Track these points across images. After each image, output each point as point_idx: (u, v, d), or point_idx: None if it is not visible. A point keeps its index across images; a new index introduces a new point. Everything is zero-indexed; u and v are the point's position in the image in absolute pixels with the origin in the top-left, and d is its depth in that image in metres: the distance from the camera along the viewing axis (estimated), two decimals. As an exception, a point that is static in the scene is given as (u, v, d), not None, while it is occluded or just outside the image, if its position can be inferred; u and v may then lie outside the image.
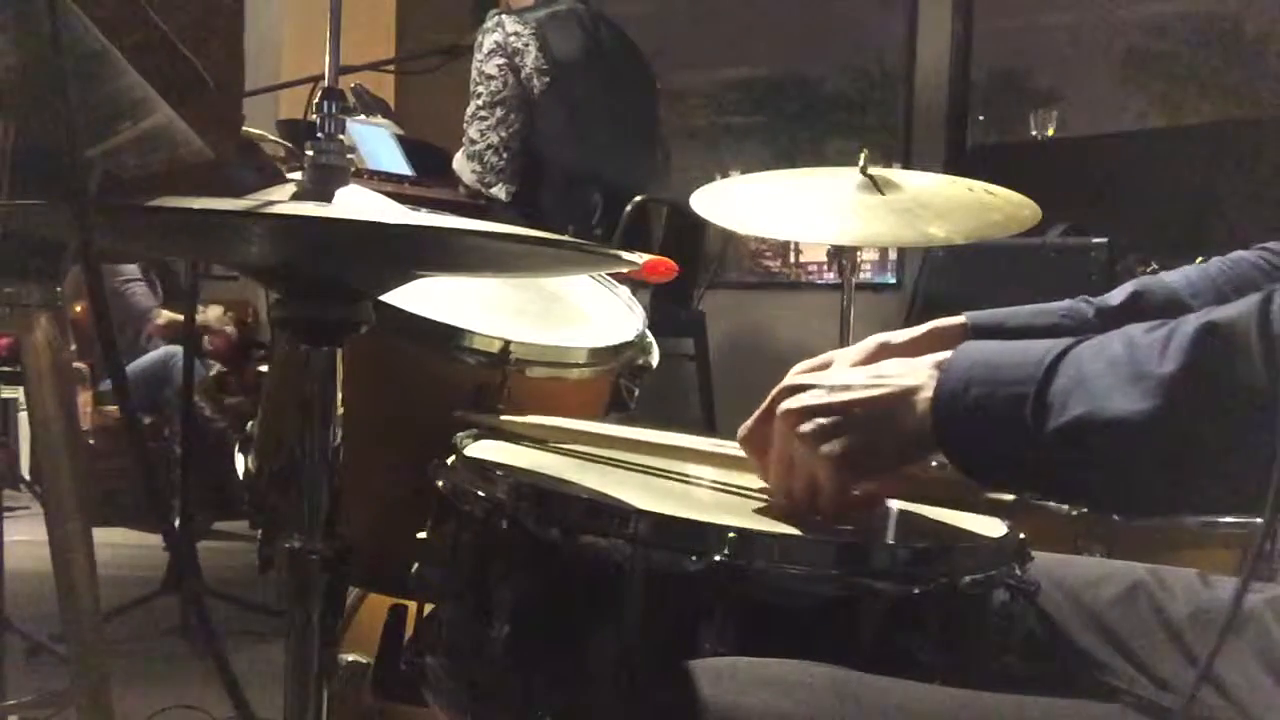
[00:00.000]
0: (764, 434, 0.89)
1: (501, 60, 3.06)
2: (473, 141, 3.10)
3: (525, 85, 3.08)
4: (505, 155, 3.09)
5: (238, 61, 1.47)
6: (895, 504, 0.93)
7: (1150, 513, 0.89)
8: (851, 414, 0.84)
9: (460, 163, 3.20)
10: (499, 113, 3.07)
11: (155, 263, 4.28)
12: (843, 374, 0.88)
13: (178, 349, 4.12)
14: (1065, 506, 0.97)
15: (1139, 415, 0.70)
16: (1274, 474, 0.62)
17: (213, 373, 4.40)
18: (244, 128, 1.80)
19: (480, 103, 3.09)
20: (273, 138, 2.58)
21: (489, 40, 3.09)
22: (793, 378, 0.90)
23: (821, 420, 0.84)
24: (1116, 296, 1.17)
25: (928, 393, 0.80)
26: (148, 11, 1.25)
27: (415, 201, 2.23)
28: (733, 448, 0.95)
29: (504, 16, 3.12)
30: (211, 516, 3.92)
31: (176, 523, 3.30)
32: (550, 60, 3.07)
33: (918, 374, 0.82)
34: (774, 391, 0.90)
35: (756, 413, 0.90)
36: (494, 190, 3.13)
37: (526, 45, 3.07)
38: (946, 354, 0.82)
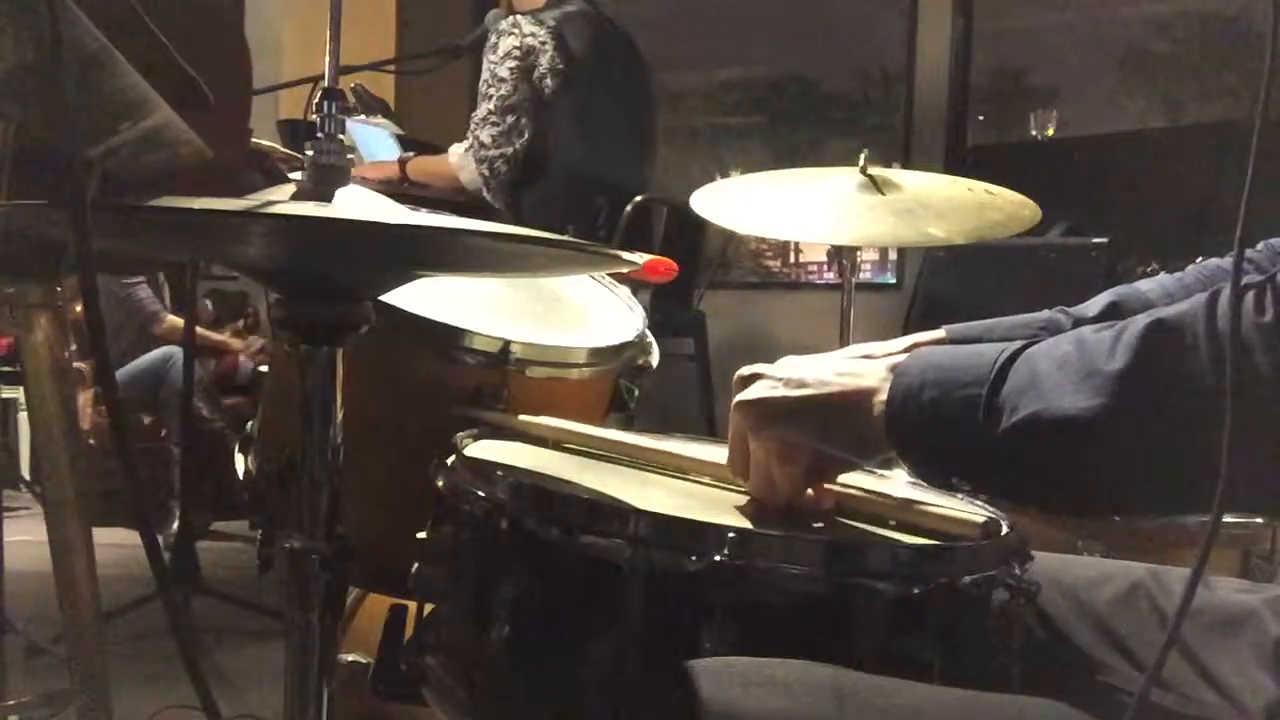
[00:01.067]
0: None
1: (514, 64, 3.05)
2: (483, 145, 3.09)
3: (536, 87, 3.07)
4: (513, 164, 3.09)
5: (242, 68, 1.47)
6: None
7: (1102, 513, 0.90)
8: (803, 411, 0.84)
9: (462, 159, 3.18)
10: (510, 119, 3.06)
11: (170, 266, 4.26)
12: (797, 367, 0.88)
13: (175, 349, 4.14)
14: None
15: (1088, 412, 0.71)
16: (1222, 470, 0.62)
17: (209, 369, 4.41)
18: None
19: (492, 106, 3.07)
20: (278, 147, 2.59)
21: (505, 43, 3.07)
22: (749, 367, 0.91)
23: (774, 415, 0.85)
24: (1094, 307, 1.17)
25: (882, 395, 0.80)
26: (149, 24, 1.25)
27: (415, 201, 2.23)
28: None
29: (519, 18, 3.10)
30: (210, 516, 3.92)
31: (175, 526, 3.32)
32: (566, 61, 3.06)
33: (872, 375, 0.82)
34: (734, 379, 0.90)
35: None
36: (495, 199, 3.13)
37: (544, 45, 3.05)
38: (901, 356, 0.82)
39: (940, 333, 1.15)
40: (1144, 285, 1.19)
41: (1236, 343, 0.66)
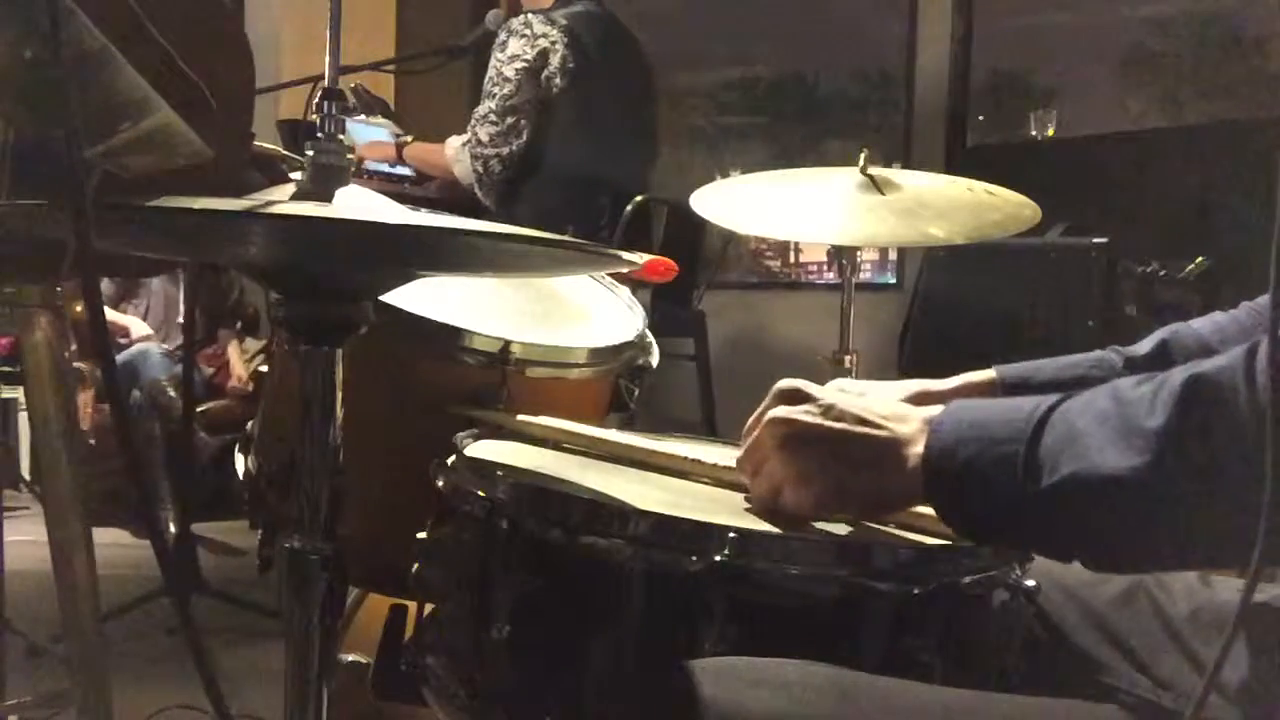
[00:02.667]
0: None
1: (522, 65, 3.04)
2: (480, 143, 3.09)
3: (543, 87, 3.06)
4: (508, 165, 3.09)
5: (244, 70, 1.47)
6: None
7: (1146, 568, 0.89)
8: (833, 444, 0.83)
9: (459, 153, 3.18)
10: (509, 120, 3.06)
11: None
12: (839, 396, 0.87)
13: (150, 346, 4.16)
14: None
15: (1131, 471, 0.70)
16: (1261, 522, 0.62)
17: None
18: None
19: (494, 105, 3.06)
20: (282, 151, 2.59)
21: (515, 43, 3.05)
22: (791, 381, 0.90)
23: (804, 440, 0.84)
24: (1145, 345, 1.15)
25: (918, 448, 0.79)
26: (152, 31, 1.25)
27: (415, 201, 2.23)
28: (732, 455, 0.95)
29: (530, 17, 3.08)
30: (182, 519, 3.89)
31: (173, 528, 3.32)
32: (576, 60, 3.05)
33: (909, 425, 0.81)
34: (774, 389, 0.89)
35: (759, 409, 0.90)
36: (486, 196, 3.13)
37: (554, 44, 3.04)
38: (936, 409, 0.81)
39: (990, 372, 1.13)
40: (1197, 323, 1.17)
41: (1276, 397, 0.65)
